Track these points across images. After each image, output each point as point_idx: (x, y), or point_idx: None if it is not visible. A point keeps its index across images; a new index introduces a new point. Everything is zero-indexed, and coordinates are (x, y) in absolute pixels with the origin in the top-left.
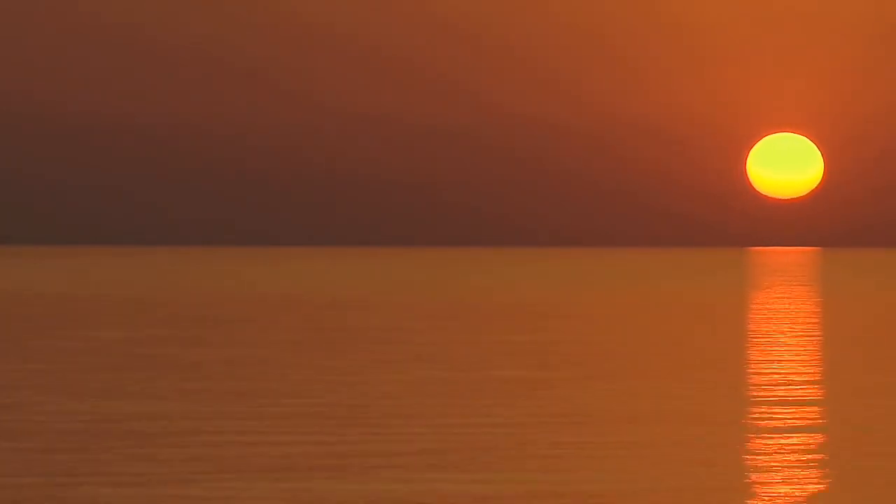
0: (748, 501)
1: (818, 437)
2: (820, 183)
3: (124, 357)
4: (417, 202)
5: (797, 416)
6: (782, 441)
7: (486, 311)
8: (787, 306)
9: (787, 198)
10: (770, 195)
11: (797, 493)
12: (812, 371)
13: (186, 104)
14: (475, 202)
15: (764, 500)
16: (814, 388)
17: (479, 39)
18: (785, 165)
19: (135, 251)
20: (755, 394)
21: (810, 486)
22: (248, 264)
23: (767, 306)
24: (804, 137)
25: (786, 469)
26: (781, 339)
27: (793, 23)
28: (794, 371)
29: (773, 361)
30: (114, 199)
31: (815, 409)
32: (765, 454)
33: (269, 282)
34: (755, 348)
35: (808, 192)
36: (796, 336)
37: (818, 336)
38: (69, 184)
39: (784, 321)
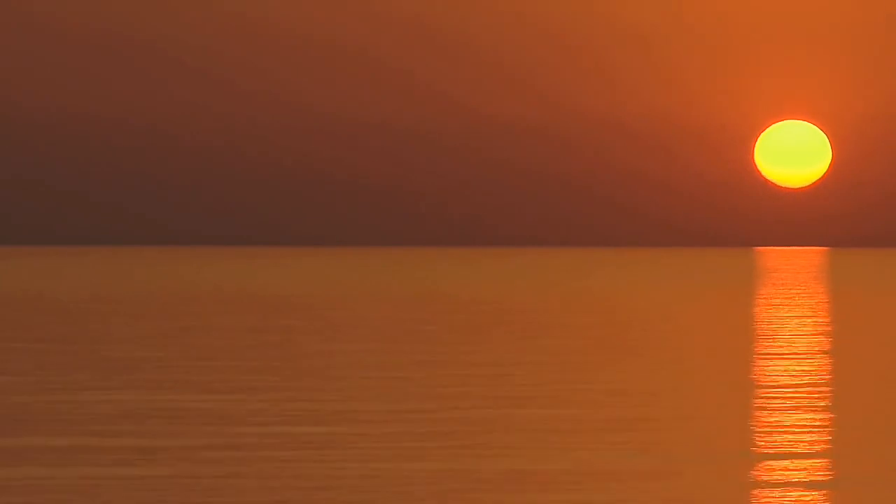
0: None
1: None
2: (829, 169)
3: None
4: (425, 204)
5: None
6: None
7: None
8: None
9: (797, 186)
10: (779, 184)
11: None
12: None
13: (166, 106)
14: (485, 205)
15: None
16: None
17: (471, 46)
18: (793, 153)
19: (106, 251)
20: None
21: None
22: (197, 264)
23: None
24: (810, 124)
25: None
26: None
27: (794, 8)
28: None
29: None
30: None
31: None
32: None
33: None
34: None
35: (817, 179)
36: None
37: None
38: (53, 184)
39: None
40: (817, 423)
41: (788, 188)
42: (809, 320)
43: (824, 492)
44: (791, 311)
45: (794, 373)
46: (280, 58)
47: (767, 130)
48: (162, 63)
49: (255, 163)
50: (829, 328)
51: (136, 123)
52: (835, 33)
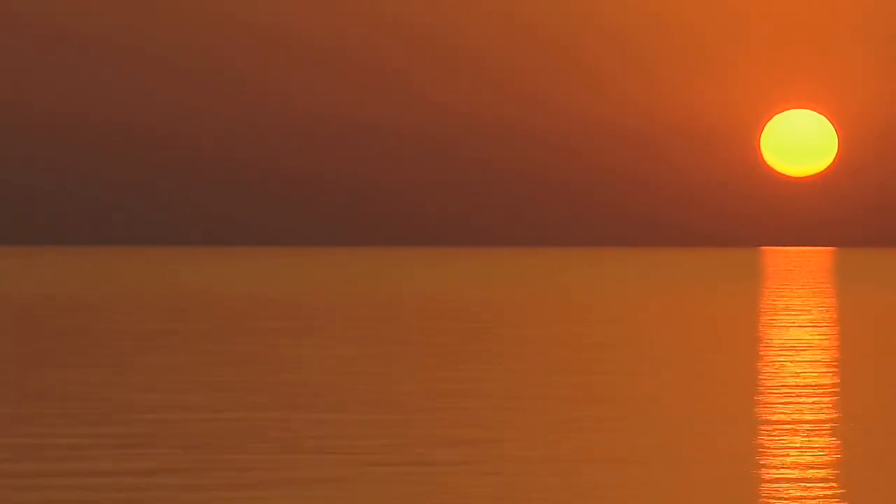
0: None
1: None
2: (836, 157)
3: None
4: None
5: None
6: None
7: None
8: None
9: (804, 175)
10: (786, 174)
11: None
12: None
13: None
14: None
15: None
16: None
17: (453, 44)
18: (799, 142)
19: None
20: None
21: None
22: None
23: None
24: (815, 112)
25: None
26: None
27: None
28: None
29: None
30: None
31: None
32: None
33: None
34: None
35: (825, 168)
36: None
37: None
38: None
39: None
40: (823, 423)
41: (795, 178)
42: (814, 320)
43: (830, 486)
44: (797, 311)
45: (798, 372)
46: (267, 59)
47: (772, 121)
48: (154, 66)
49: (240, 164)
50: (833, 328)
51: (122, 126)
52: (834, 22)
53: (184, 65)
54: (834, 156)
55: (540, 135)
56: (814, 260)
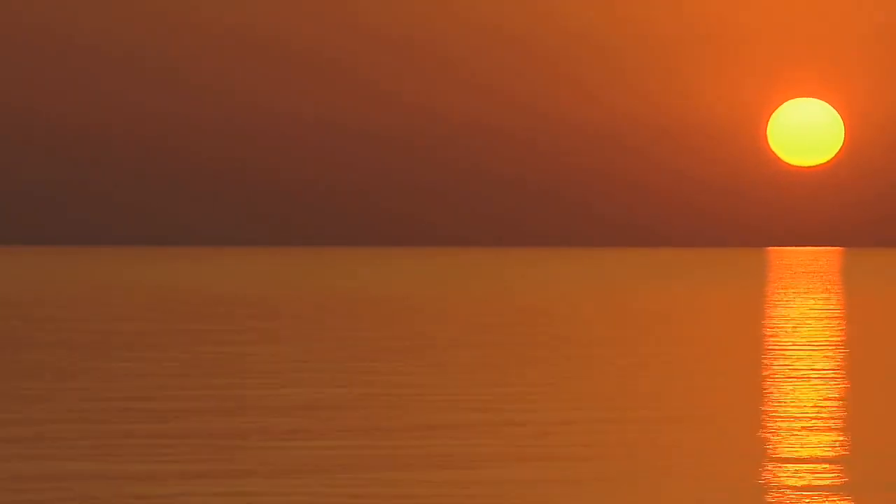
0: None
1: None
2: (842, 147)
3: None
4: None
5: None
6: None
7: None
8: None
9: (810, 165)
10: (793, 163)
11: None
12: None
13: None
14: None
15: None
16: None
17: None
18: (806, 132)
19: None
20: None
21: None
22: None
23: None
24: (821, 101)
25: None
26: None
27: None
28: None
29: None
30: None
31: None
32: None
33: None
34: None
35: (831, 157)
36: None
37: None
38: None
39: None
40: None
41: (802, 168)
42: (820, 317)
43: (836, 495)
44: (802, 309)
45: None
46: (243, 62)
47: (777, 111)
48: (127, 69)
49: (209, 165)
50: (839, 326)
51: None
52: (836, 13)
53: (156, 68)
54: (840, 145)
55: (540, 139)
56: (823, 261)
